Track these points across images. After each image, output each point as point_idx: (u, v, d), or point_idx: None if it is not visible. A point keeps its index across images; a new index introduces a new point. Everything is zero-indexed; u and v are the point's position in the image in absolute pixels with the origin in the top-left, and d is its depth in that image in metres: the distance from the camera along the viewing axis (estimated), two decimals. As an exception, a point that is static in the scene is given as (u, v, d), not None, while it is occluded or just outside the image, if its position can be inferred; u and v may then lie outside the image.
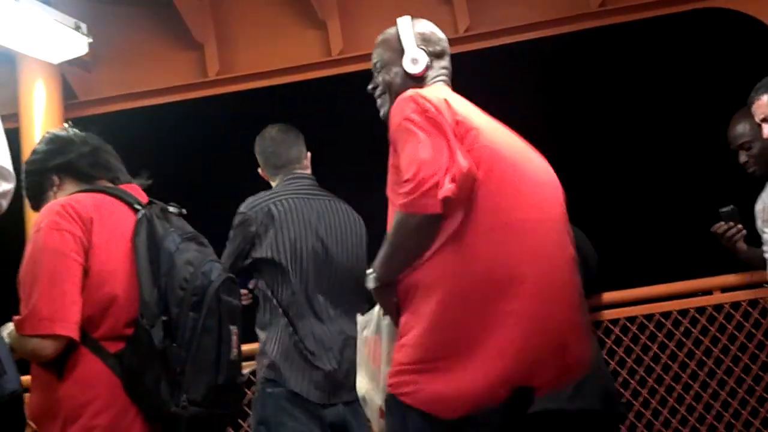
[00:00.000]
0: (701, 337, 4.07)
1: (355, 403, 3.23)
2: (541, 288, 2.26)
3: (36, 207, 2.54)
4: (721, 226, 3.64)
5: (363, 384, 2.52)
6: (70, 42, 4.48)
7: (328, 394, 3.36)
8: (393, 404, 2.32)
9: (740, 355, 4.04)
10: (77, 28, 4.42)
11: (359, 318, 2.60)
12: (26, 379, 2.41)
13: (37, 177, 2.55)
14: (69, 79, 5.49)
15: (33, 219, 2.46)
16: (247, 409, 3.52)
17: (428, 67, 2.53)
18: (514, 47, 5.35)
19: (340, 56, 5.31)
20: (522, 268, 2.25)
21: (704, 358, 4.06)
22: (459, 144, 2.26)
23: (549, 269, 2.29)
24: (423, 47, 2.53)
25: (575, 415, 3.21)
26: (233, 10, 5.53)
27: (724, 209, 3.65)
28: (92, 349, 2.29)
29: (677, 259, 7.31)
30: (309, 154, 3.69)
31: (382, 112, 2.56)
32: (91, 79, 5.59)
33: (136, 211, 2.42)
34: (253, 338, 3.50)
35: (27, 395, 2.42)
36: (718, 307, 4.07)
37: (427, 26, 2.61)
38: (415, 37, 2.54)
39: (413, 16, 2.61)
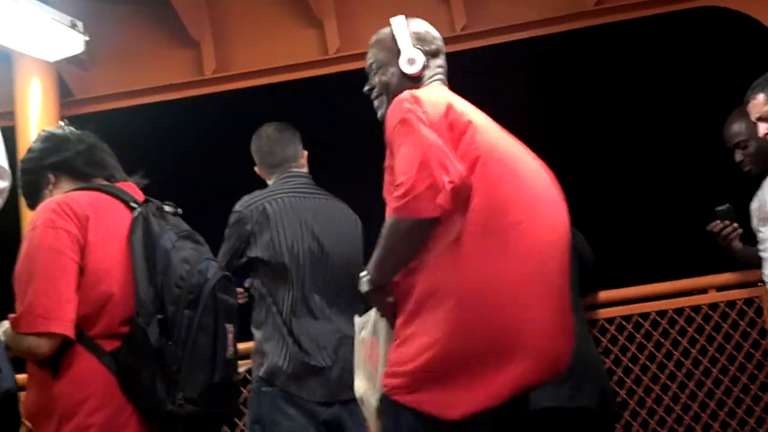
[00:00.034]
0: (697, 336, 4.07)
1: (351, 402, 3.23)
2: (534, 293, 2.26)
3: (32, 205, 2.54)
4: (716, 225, 3.64)
5: (360, 385, 2.52)
6: (67, 40, 4.48)
7: (324, 392, 3.36)
8: (386, 404, 2.32)
9: (736, 353, 4.04)
10: (73, 26, 4.42)
11: (357, 319, 2.60)
12: (22, 377, 2.40)
13: (33, 175, 2.55)
14: (65, 77, 5.49)
15: (29, 217, 2.46)
16: (243, 407, 3.52)
17: (425, 67, 2.51)
18: (511, 46, 5.35)
19: (336, 55, 5.31)
20: (516, 270, 2.25)
21: (700, 356, 4.07)
22: (454, 147, 2.25)
23: (541, 271, 2.29)
24: (419, 47, 2.52)
25: (572, 413, 3.22)
26: (230, 8, 5.53)
27: (720, 208, 3.65)
28: (88, 348, 2.29)
29: (673, 258, 7.32)
30: (305, 152, 3.69)
31: (379, 114, 2.54)
32: (88, 77, 5.59)
33: (132, 209, 2.42)
34: (249, 337, 3.50)
35: (22, 393, 2.42)
36: (714, 306, 4.07)
37: (421, 25, 2.58)
38: (410, 37, 2.52)
39: (410, 15, 2.60)
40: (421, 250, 2.26)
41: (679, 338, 4.08)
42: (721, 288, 4.09)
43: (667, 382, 4.10)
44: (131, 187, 2.52)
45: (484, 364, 2.22)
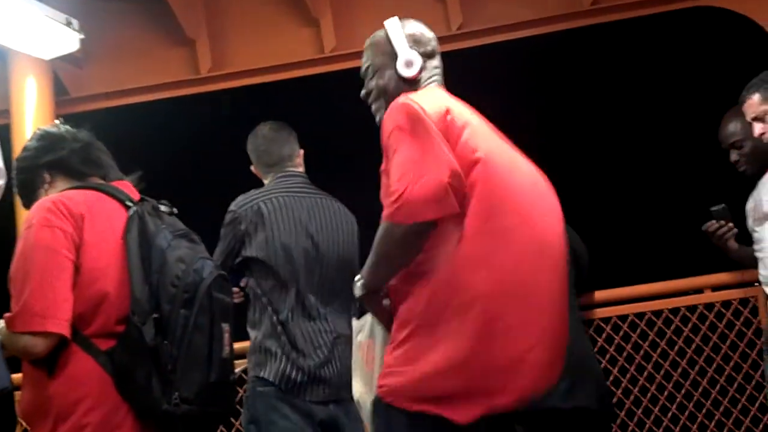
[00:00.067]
0: (692, 336, 4.07)
1: (346, 401, 3.24)
2: (533, 298, 2.25)
3: (27, 204, 2.53)
4: (712, 225, 3.64)
5: (358, 387, 2.52)
6: (62, 38, 4.47)
7: (319, 392, 3.36)
8: (378, 406, 2.31)
9: (731, 353, 4.04)
10: (68, 24, 4.40)
11: (354, 322, 2.61)
12: (17, 376, 2.40)
13: (28, 174, 2.54)
14: (60, 76, 5.47)
15: (24, 216, 2.45)
16: (239, 407, 3.51)
17: (422, 69, 2.48)
18: (507, 45, 5.35)
19: (332, 53, 5.30)
20: (513, 279, 2.24)
21: (695, 356, 4.07)
22: (452, 150, 2.24)
23: (538, 279, 2.28)
24: (415, 49, 2.49)
25: (569, 413, 3.22)
26: (225, 7, 5.52)
27: (715, 208, 3.65)
28: (83, 347, 2.29)
29: (669, 258, 7.33)
30: (302, 151, 3.69)
31: (378, 118, 2.50)
32: (83, 75, 5.57)
33: (127, 208, 2.42)
34: (245, 336, 3.50)
35: (18, 393, 2.41)
36: (710, 306, 4.07)
37: (416, 27, 2.55)
38: (406, 39, 2.49)
39: (406, 14, 2.58)
40: (418, 255, 2.26)
41: (675, 338, 4.08)
42: (716, 288, 4.09)
43: (663, 381, 4.10)
44: (127, 186, 2.52)
45: (486, 371, 2.21)
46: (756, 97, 3.33)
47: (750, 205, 3.59)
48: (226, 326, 2.36)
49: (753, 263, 3.58)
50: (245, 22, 5.46)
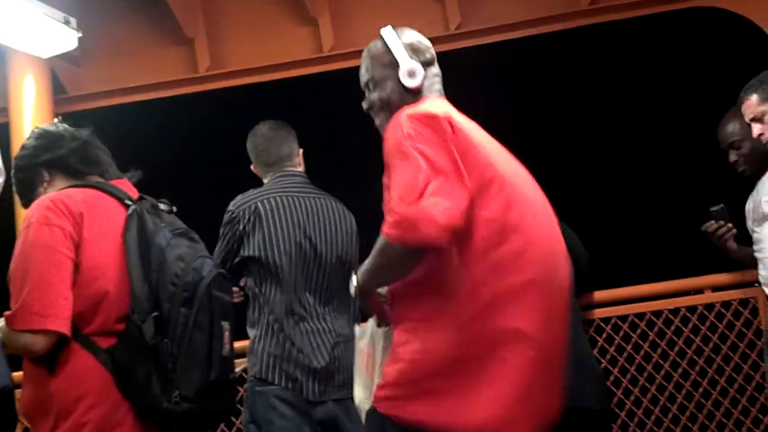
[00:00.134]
0: (692, 336, 4.07)
1: (346, 400, 3.24)
2: (538, 314, 2.23)
3: (26, 203, 2.52)
4: (711, 225, 3.64)
5: (359, 393, 2.52)
6: (60, 36, 4.46)
7: (318, 391, 3.35)
8: (373, 414, 2.29)
9: (731, 354, 4.04)
10: (66, 23, 4.39)
11: (356, 328, 2.60)
12: (18, 374, 2.39)
13: (27, 172, 2.54)
14: (58, 74, 5.47)
15: (23, 215, 2.45)
16: (240, 406, 3.51)
17: (424, 78, 2.43)
18: (505, 45, 5.35)
19: (330, 53, 5.30)
20: (516, 295, 2.21)
21: (695, 357, 4.07)
22: (454, 166, 2.19)
23: (544, 297, 2.26)
24: (414, 58, 2.44)
25: (569, 413, 3.21)
26: (224, 6, 5.52)
27: (715, 208, 3.66)
28: (83, 345, 2.28)
29: (669, 258, 7.33)
30: (301, 150, 3.68)
31: (381, 131, 2.43)
32: (81, 74, 5.57)
33: (126, 206, 2.42)
34: (246, 335, 3.49)
35: (18, 391, 2.40)
36: (709, 306, 4.07)
37: (413, 35, 2.51)
38: (405, 49, 2.44)
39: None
40: (415, 268, 2.21)
41: (675, 338, 4.08)
42: (716, 288, 4.09)
43: (663, 382, 4.10)
44: (125, 185, 2.52)
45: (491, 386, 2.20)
46: (754, 98, 3.33)
47: (749, 205, 3.59)
48: (225, 325, 2.36)
49: (752, 264, 3.58)
50: (244, 21, 5.46)
